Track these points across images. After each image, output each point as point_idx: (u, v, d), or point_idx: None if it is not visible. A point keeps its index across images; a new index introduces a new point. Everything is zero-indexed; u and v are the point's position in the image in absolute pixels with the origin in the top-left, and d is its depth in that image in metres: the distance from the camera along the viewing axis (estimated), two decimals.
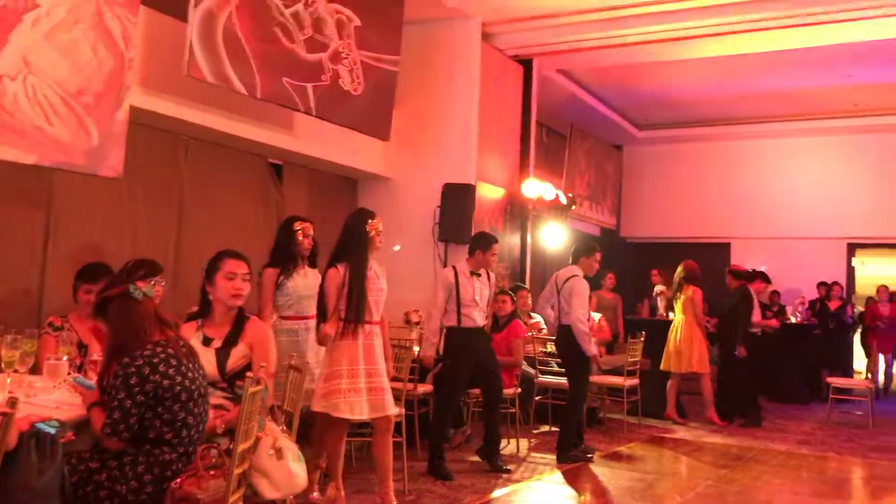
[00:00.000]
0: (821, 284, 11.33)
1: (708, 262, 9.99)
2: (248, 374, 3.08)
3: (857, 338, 11.57)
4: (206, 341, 3.50)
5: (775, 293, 11.15)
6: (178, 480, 2.91)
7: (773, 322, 9.77)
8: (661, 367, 8.49)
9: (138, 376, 2.86)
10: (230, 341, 3.49)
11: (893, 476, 6.37)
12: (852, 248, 12.47)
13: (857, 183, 12.10)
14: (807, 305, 11.09)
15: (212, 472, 2.99)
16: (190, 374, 3.00)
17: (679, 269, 8.55)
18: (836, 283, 11.23)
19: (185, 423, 2.97)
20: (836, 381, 9.09)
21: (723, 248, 12.81)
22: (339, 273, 4.36)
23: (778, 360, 9.90)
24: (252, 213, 7.09)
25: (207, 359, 3.36)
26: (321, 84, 6.49)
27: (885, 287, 11.06)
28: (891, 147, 11.98)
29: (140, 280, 3.81)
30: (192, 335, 3.49)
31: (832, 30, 7.85)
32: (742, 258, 12.03)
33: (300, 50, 6.27)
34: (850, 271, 12.44)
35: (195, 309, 3.80)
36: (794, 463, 6.69)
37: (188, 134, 6.32)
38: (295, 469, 3.25)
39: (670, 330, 8.50)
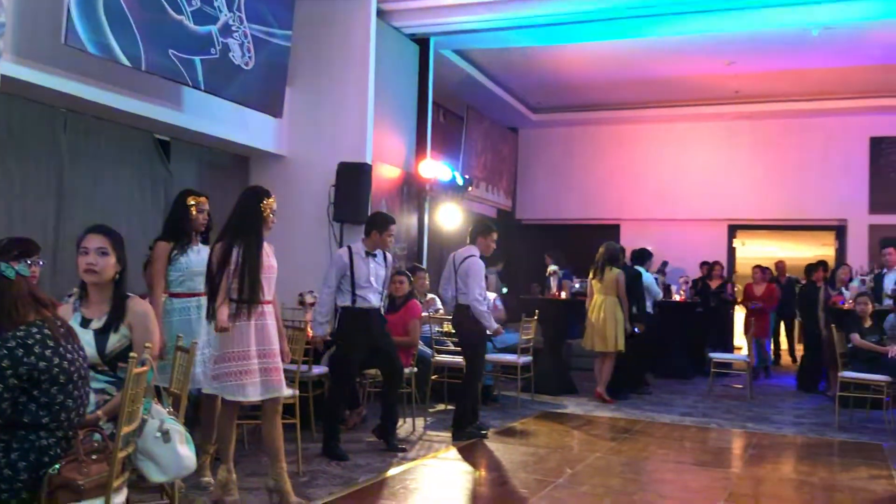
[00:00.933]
0: (703, 264, 11.85)
1: (599, 242, 10.27)
2: (132, 355, 2.97)
3: (739, 316, 12.16)
4: (85, 322, 3.33)
5: (661, 273, 11.59)
6: (57, 466, 2.77)
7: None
8: (584, 345, 8.69)
9: (10, 359, 2.71)
10: (110, 322, 3.34)
11: (769, 445, 6.73)
12: (733, 230, 13.09)
13: (738, 167, 12.70)
14: (690, 284, 11.55)
15: (94, 457, 2.86)
16: (69, 356, 2.86)
17: (601, 249, 8.67)
18: (717, 262, 11.74)
19: (63, 406, 2.82)
20: (717, 356, 9.55)
21: (613, 230, 13.21)
22: (229, 250, 4.25)
23: (663, 338, 10.31)
24: (138, 191, 6.81)
25: (86, 340, 3.20)
26: (210, 57, 6.28)
27: (759, 267, 11.63)
28: (769, 133, 12.61)
29: (14, 260, 3.61)
30: (70, 316, 3.32)
31: (715, 19, 8.17)
32: (631, 239, 12.42)
33: (187, 21, 6.04)
34: (731, 251, 13.05)
35: (76, 290, 3.62)
36: (678, 434, 6.98)
37: (67, 106, 6.00)
38: (183, 452, 3.15)
39: (590, 310, 8.60)
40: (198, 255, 4.76)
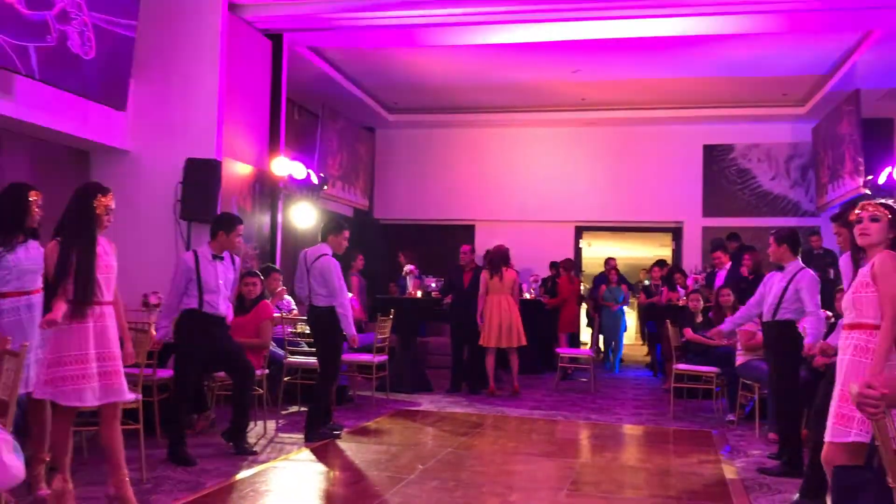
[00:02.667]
0: (552, 265, 12.28)
1: (455, 242, 10.48)
2: None
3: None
4: None
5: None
6: None
7: None
8: (487, 344, 8.95)
9: None
10: None
11: (610, 434, 7.09)
12: (580, 231, 13.65)
13: (584, 171, 13.26)
14: (540, 283, 11.96)
15: None
16: None
17: (492, 250, 9.18)
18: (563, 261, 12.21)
19: None
20: (564, 352, 9.96)
21: (468, 230, 13.48)
22: (63, 250, 4.05)
23: None
24: None
25: None
26: (45, 45, 5.93)
27: (560, 262, 12.10)
28: (612, 139, 13.24)
29: None
30: None
31: (562, 27, 8.49)
32: (486, 239, 12.74)
33: (20, 6, 5.68)
34: (578, 252, 13.60)
35: None
36: (527, 427, 7.23)
37: None
38: (9, 461, 2.97)
39: (491, 308, 8.93)
40: (27, 252, 4.46)
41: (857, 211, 3.73)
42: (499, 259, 9.05)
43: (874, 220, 3.63)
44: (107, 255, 4.22)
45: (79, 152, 7.68)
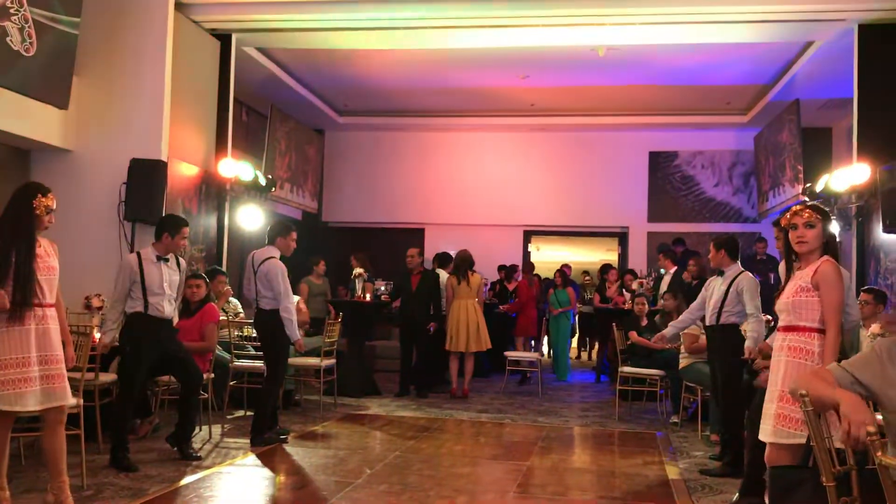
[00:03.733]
0: (501, 268, 12.37)
1: (404, 246, 10.47)
2: None
3: None
4: None
5: None
6: None
7: None
8: (456, 349, 9.01)
9: None
10: None
11: (557, 437, 7.16)
12: (528, 235, 13.77)
13: (533, 176, 13.39)
14: (489, 286, 12.01)
15: None
16: None
17: (458, 255, 9.24)
18: (514, 265, 12.32)
19: None
20: (511, 355, 10.02)
21: (418, 233, 13.50)
22: (2, 251, 3.95)
23: None
24: None
25: None
26: None
27: (522, 265, 12.22)
28: (561, 145, 13.40)
29: None
30: None
31: (512, 34, 8.55)
32: (435, 243, 12.79)
33: None
34: (527, 255, 13.72)
35: None
36: (475, 430, 7.26)
37: None
38: None
39: (458, 314, 8.99)
40: None
41: (788, 216, 3.79)
42: (465, 264, 9.11)
43: (810, 226, 3.71)
44: (48, 256, 4.13)
45: (19, 151, 7.48)
